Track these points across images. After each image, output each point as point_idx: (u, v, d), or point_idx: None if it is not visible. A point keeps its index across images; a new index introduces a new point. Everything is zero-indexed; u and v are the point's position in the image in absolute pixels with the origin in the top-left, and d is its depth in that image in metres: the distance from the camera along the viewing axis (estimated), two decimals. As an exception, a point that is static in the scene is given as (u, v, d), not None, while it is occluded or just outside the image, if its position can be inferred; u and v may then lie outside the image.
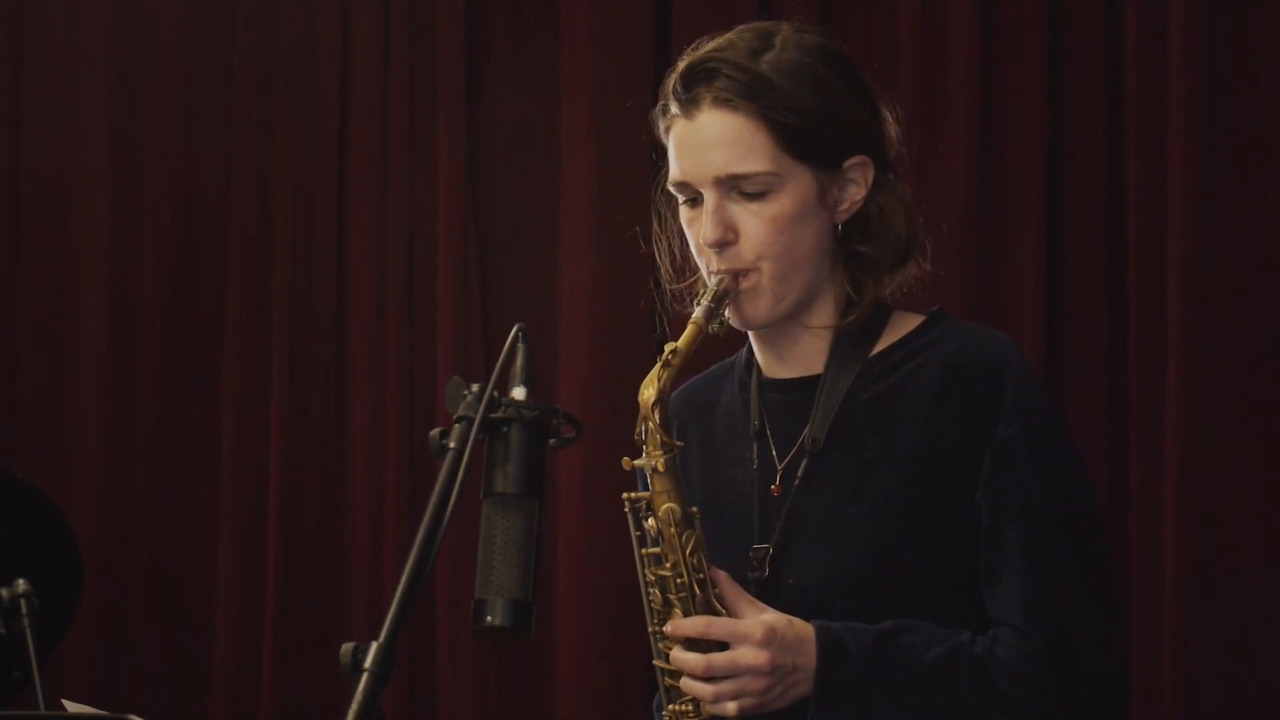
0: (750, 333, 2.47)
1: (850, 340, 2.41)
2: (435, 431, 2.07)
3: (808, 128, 2.35)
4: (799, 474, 2.39)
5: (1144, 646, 4.03)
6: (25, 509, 4.11)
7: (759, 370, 2.49)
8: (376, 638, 1.94)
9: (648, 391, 2.30)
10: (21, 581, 3.76)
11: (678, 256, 2.48)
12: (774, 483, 2.41)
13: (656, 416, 2.29)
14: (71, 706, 3.23)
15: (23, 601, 3.75)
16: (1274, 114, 4.08)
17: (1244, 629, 4.04)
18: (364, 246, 4.89)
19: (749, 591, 2.35)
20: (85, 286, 5.08)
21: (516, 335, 2.13)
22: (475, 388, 2.08)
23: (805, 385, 2.43)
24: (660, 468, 2.30)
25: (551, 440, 2.11)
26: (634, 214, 4.48)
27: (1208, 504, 4.03)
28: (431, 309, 4.80)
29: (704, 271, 2.40)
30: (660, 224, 2.50)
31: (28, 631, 3.74)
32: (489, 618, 2.04)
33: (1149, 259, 4.10)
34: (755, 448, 2.45)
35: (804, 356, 2.44)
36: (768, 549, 2.38)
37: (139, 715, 3.04)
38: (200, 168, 5.06)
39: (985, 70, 4.25)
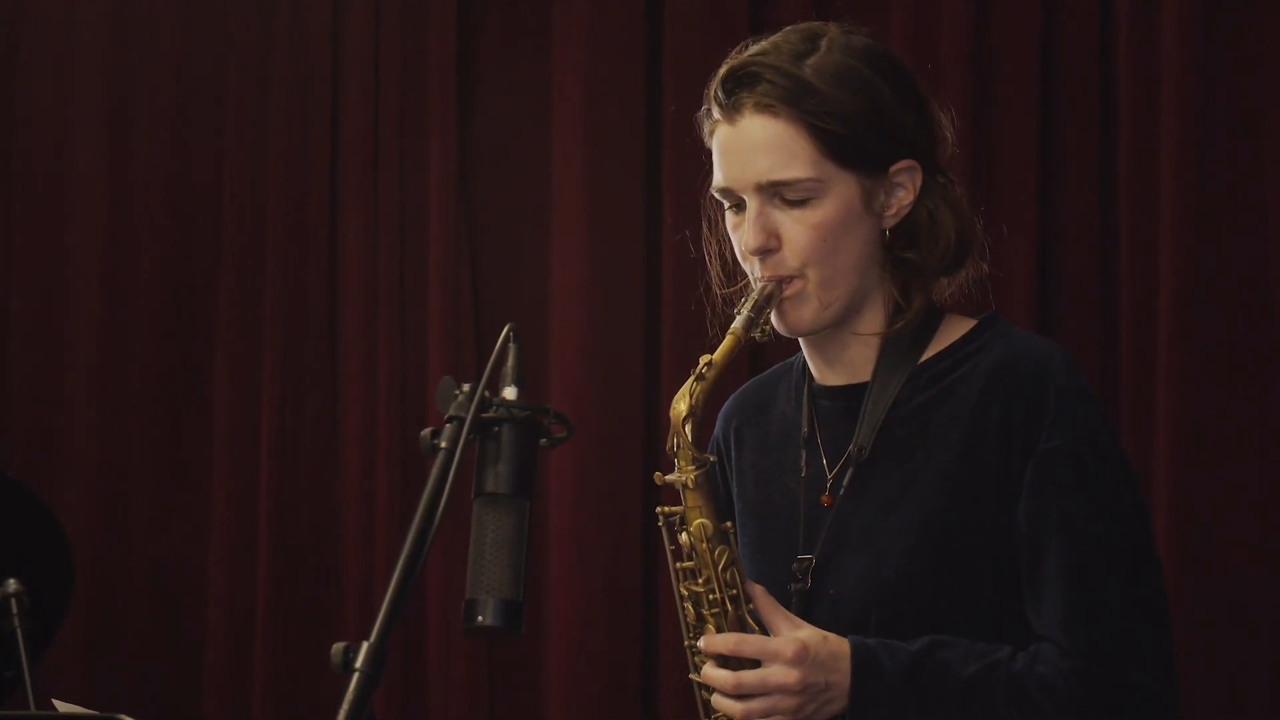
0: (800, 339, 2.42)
1: (899, 347, 2.37)
2: (426, 431, 2.06)
3: (851, 133, 2.29)
4: (845, 483, 2.35)
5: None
6: (16, 508, 4.10)
7: (811, 376, 2.44)
8: (368, 637, 1.94)
9: (680, 405, 2.25)
10: (12, 581, 3.76)
11: (728, 260, 2.41)
12: (823, 491, 2.37)
13: (688, 431, 2.25)
14: (62, 706, 3.23)
15: (13, 601, 3.74)
16: (1268, 115, 4.08)
17: (1239, 631, 4.04)
18: (356, 247, 4.89)
19: (791, 603, 2.31)
20: (79, 286, 5.07)
21: (507, 335, 2.11)
22: (466, 387, 2.07)
23: (854, 393, 2.38)
24: (690, 484, 2.26)
25: (542, 440, 2.09)
26: (628, 214, 4.57)
27: (1200, 506, 4.03)
28: (423, 309, 4.80)
29: (750, 277, 2.35)
30: (710, 228, 2.45)
31: (18, 631, 3.73)
32: (480, 617, 2.03)
33: (1141, 260, 4.10)
34: (805, 455, 2.40)
35: (853, 364, 2.39)
36: (811, 560, 2.34)
37: (130, 715, 3.04)
38: (194, 169, 5.06)
39: (977, 69, 4.25)
